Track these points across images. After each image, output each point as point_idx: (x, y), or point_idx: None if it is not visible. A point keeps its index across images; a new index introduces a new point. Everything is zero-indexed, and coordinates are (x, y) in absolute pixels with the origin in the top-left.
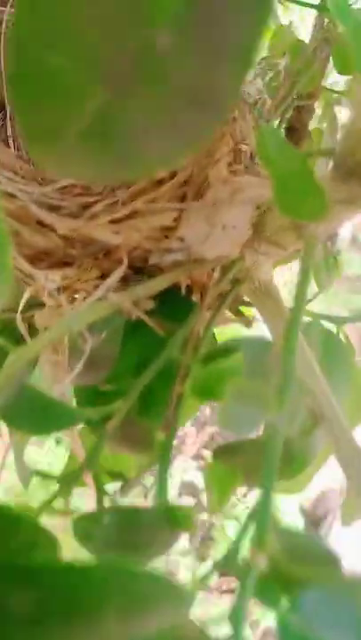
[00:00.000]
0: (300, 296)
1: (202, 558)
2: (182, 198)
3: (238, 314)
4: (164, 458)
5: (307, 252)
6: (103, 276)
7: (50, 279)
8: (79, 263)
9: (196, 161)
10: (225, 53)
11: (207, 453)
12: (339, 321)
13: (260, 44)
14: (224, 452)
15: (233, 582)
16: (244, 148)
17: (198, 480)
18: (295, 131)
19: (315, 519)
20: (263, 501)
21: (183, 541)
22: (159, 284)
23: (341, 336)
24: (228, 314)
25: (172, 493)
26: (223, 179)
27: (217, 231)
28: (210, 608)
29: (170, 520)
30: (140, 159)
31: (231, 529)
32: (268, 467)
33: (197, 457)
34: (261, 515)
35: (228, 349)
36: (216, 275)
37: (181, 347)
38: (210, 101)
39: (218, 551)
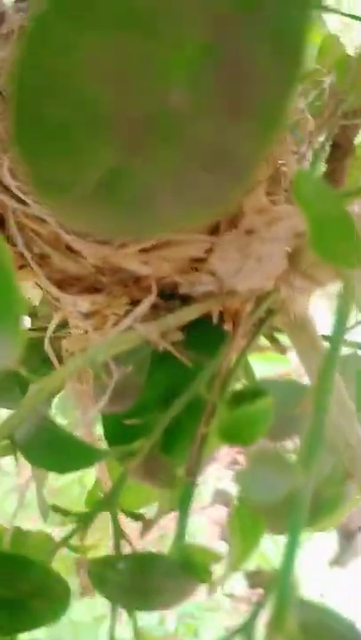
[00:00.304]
0: (337, 337)
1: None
2: (216, 228)
3: (273, 341)
4: (184, 502)
5: (345, 292)
6: (133, 303)
7: (79, 304)
8: (108, 290)
9: None
10: (249, 113)
11: (242, 459)
12: None
13: (292, 98)
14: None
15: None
16: (282, 174)
17: (232, 489)
18: (340, 147)
19: (348, 533)
20: (284, 572)
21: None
22: (189, 314)
23: None
24: (262, 341)
25: (206, 501)
26: (259, 208)
27: (250, 263)
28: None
29: (186, 569)
30: (152, 218)
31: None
32: (292, 534)
33: (232, 464)
34: (282, 589)
35: (257, 391)
36: (250, 305)
37: (210, 382)
38: (227, 166)
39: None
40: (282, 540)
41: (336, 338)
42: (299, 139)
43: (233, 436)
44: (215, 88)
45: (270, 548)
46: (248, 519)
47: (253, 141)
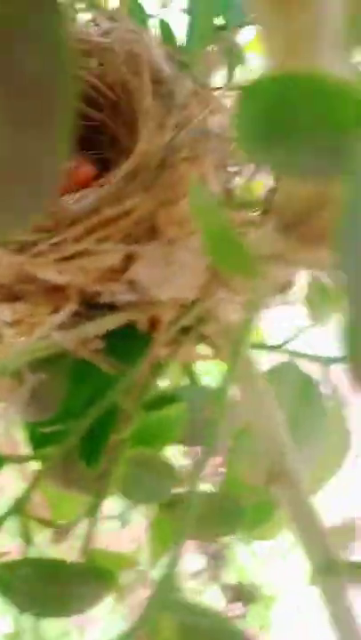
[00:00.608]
0: (239, 347)
1: (213, 579)
2: (138, 238)
3: (215, 348)
4: (93, 509)
5: (249, 305)
6: (56, 312)
7: (2, 313)
8: (29, 299)
9: (151, 200)
10: (33, 125)
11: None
12: (325, 361)
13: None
14: (169, 505)
15: (243, 608)
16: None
17: None
18: None
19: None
20: (165, 576)
21: (193, 562)
22: (111, 322)
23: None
24: (195, 349)
25: None
26: (180, 219)
27: (173, 272)
28: None
29: (94, 575)
30: None
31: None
32: (176, 538)
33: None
34: (160, 592)
35: (171, 398)
36: (171, 313)
37: (128, 389)
38: (22, 176)
39: (230, 572)
40: (261, 553)
41: (239, 342)
42: (226, 153)
43: (145, 441)
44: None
45: (250, 563)
46: (167, 526)
47: (44, 153)
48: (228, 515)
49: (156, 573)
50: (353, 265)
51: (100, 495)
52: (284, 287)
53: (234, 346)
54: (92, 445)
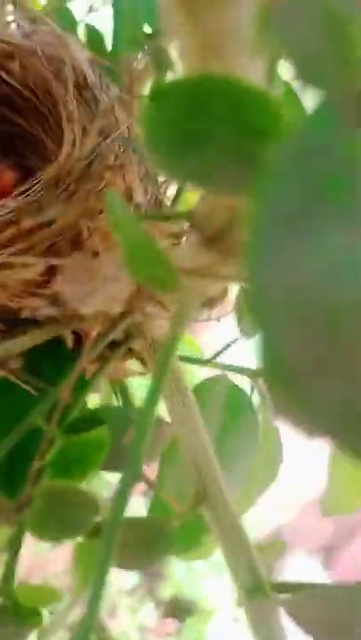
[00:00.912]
0: (165, 362)
1: (149, 595)
2: (60, 249)
3: (143, 363)
4: (14, 542)
5: (174, 320)
6: None
7: None
8: None
9: (74, 210)
10: None
11: None
12: (252, 374)
13: None
14: (93, 533)
15: (177, 623)
16: (132, 194)
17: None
18: None
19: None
20: (90, 610)
21: (128, 578)
22: (31, 339)
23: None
24: (124, 365)
25: None
26: (104, 231)
27: (96, 285)
28: None
29: (14, 614)
30: None
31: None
32: (99, 569)
33: None
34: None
35: (94, 419)
36: (98, 328)
37: (50, 411)
38: None
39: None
40: (196, 569)
41: (163, 361)
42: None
43: (65, 468)
44: None
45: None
46: (90, 554)
47: None
48: (154, 541)
49: (80, 605)
50: (261, 277)
51: (21, 527)
52: (213, 301)
53: (160, 361)
54: (12, 473)
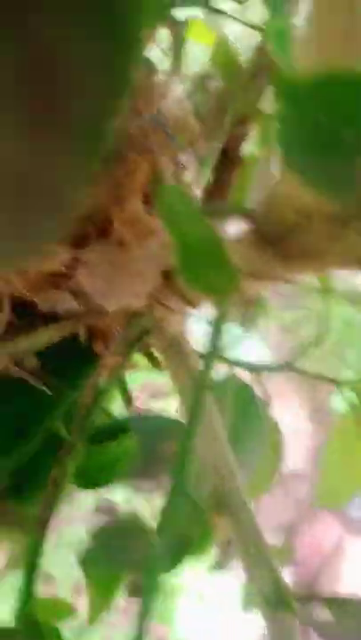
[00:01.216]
0: (207, 371)
1: None
2: (83, 238)
3: (150, 357)
4: (32, 554)
5: (217, 320)
6: None
7: None
8: None
9: (100, 195)
10: (61, 131)
11: None
12: (255, 369)
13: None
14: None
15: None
16: (163, 182)
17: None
18: (226, 157)
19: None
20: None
21: None
22: (48, 336)
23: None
24: (137, 358)
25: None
26: (132, 219)
27: (121, 278)
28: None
29: (32, 637)
30: None
31: None
32: (146, 599)
33: None
34: None
35: (118, 429)
36: (119, 324)
37: (68, 414)
38: (41, 198)
39: None
40: None
41: (207, 368)
42: (180, 145)
43: (88, 480)
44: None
45: None
46: (103, 578)
47: (67, 167)
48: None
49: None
50: None
51: (36, 546)
52: (249, 302)
53: (200, 376)
54: (31, 481)
